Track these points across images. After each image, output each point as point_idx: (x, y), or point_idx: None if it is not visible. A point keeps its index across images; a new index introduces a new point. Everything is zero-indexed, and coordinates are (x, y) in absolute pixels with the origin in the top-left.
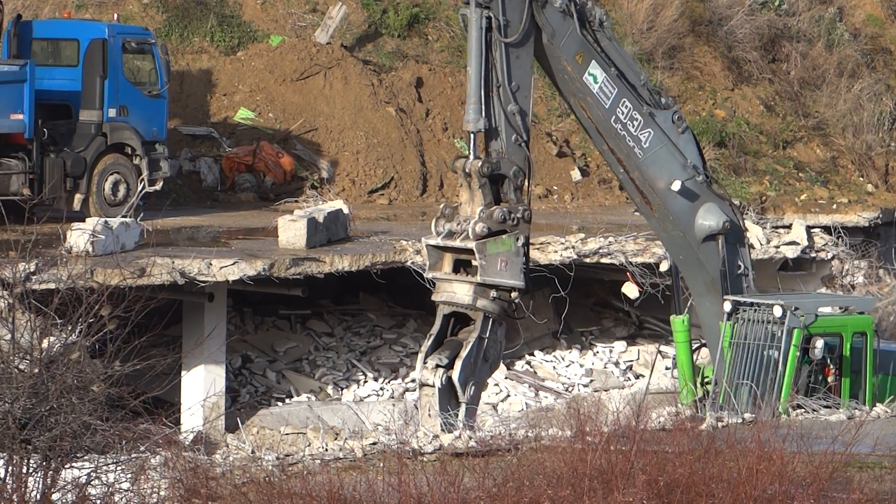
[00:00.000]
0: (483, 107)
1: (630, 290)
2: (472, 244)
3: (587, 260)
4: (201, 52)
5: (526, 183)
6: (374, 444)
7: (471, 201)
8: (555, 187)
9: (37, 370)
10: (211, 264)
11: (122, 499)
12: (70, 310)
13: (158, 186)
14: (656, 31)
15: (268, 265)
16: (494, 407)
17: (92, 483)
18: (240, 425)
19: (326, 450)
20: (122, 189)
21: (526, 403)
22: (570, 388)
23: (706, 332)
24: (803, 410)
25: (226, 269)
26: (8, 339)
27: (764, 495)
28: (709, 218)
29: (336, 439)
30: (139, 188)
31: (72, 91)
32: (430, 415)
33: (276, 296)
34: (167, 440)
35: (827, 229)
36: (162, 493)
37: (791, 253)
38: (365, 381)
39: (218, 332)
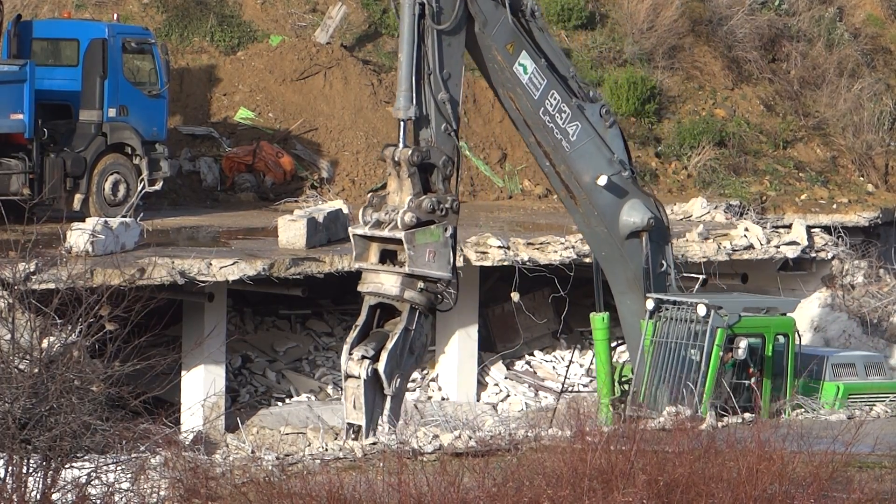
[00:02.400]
0: (413, 95)
1: None
2: (400, 234)
3: (587, 260)
4: (201, 52)
5: (455, 173)
6: (374, 444)
7: (399, 190)
8: None
9: (37, 370)
10: (211, 264)
11: (122, 499)
12: (70, 310)
13: (158, 186)
14: (656, 31)
15: (268, 265)
16: (494, 407)
17: (92, 483)
18: (240, 425)
19: (326, 450)
20: (122, 189)
21: (526, 403)
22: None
23: (626, 330)
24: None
25: (226, 269)
26: (8, 339)
27: (764, 495)
28: (633, 214)
29: (336, 439)
30: (139, 188)
31: (72, 91)
32: (354, 407)
33: (276, 296)
34: (167, 440)
35: (827, 229)
36: (162, 493)
37: (791, 253)
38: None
39: (218, 332)
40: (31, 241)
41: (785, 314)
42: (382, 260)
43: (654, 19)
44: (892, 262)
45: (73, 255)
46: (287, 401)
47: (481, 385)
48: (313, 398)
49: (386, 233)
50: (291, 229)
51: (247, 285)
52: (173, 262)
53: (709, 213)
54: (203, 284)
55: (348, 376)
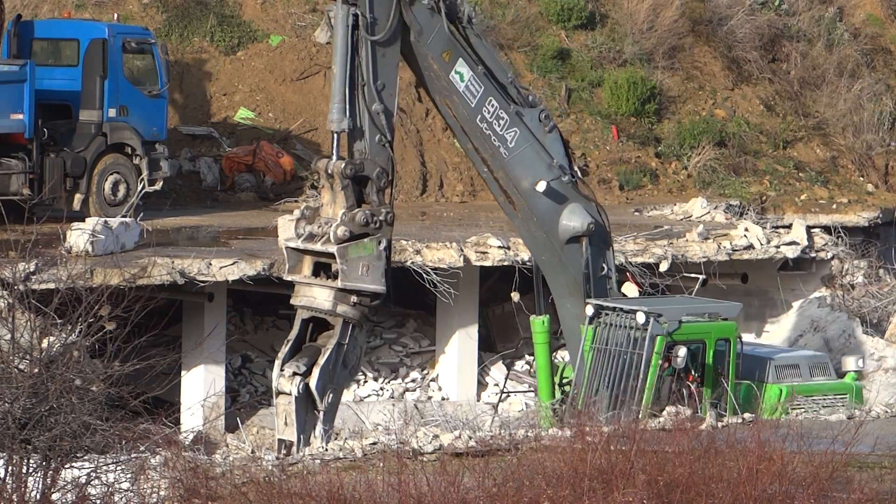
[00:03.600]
0: (347, 106)
1: (630, 290)
2: (333, 248)
3: None
4: (201, 52)
5: (390, 184)
6: (374, 444)
7: (333, 203)
8: None
9: (37, 370)
10: (211, 264)
11: (122, 499)
12: (70, 310)
13: (158, 186)
14: (656, 31)
15: (268, 265)
16: (494, 407)
17: (92, 483)
18: (240, 425)
19: (326, 450)
20: (122, 189)
21: (526, 403)
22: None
23: (566, 333)
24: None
25: (226, 269)
26: (8, 339)
27: (764, 495)
28: (573, 219)
29: (336, 439)
30: (139, 188)
31: (72, 91)
32: (286, 423)
33: (276, 296)
34: (167, 440)
35: (827, 229)
36: (162, 493)
37: (791, 253)
38: (365, 381)
39: (218, 332)
40: (31, 241)
41: (727, 319)
42: (316, 272)
43: (654, 19)
44: (892, 262)
45: (73, 255)
46: None
47: (481, 385)
48: None
49: (318, 246)
50: (291, 229)
51: (247, 285)
52: (173, 262)
53: (709, 213)
54: (203, 284)
55: (279, 393)
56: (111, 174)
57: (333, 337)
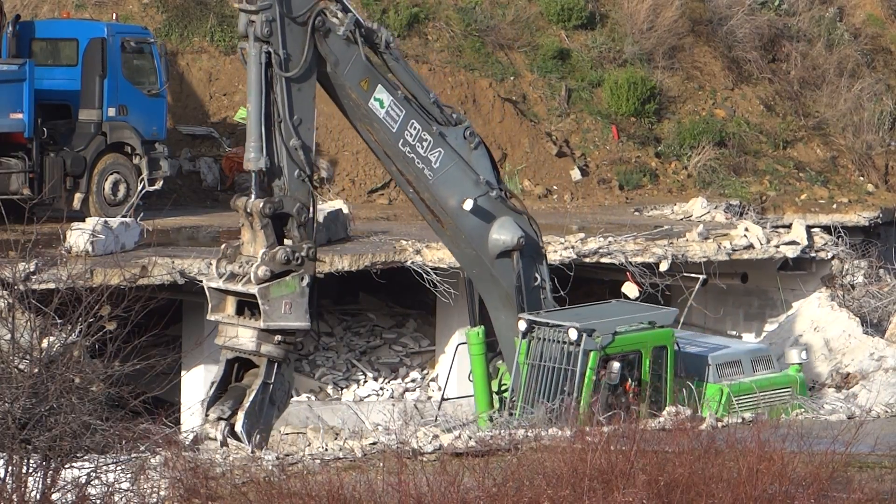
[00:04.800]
0: (264, 144)
1: (630, 289)
2: (254, 289)
3: (587, 260)
4: (201, 52)
5: (312, 218)
6: (374, 444)
7: (253, 241)
8: (554, 187)
9: (37, 370)
10: (211, 264)
11: (122, 499)
12: (70, 310)
13: (158, 186)
14: (656, 31)
15: None
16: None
17: (92, 483)
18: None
19: (326, 450)
20: (122, 189)
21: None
22: None
23: (503, 344)
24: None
25: None
26: (8, 339)
27: (764, 495)
28: (503, 233)
29: (336, 439)
30: (139, 188)
31: (71, 90)
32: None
33: None
34: (167, 440)
35: (827, 229)
36: (162, 493)
37: (791, 252)
38: (365, 381)
39: None
40: (31, 241)
41: (663, 326)
42: (241, 310)
43: (654, 19)
44: (892, 262)
45: (73, 255)
46: None
47: None
48: (313, 398)
49: (239, 287)
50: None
51: None
52: (173, 262)
53: (709, 213)
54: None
55: (206, 438)
56: (111, 174)
57: (259, 377)
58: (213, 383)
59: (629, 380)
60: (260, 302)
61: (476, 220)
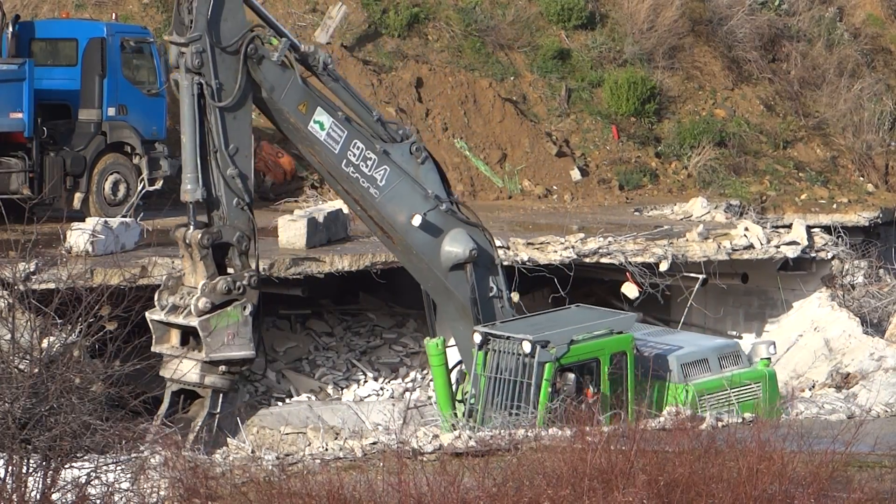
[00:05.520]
0: (201, 175)
1: (630, 290)
2: (194, 321)
3: (587, 260)
4: None
5: (252, 246)
6: (374, 444)
7: (194, 272)
8: (554, 187)
9: (37, 370)
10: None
11: (122, 499)
12: (70, 310)
13: (158, 186)
14: (656, 31)
15: (268, 265)
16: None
17: (92, 483)
18: (240, 425)
19: (326, 450)
20: (121, 188)
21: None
22: None
23: (463, 354)
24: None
25: None
26: (8, 339)
27: (764, 495)
28: (455, 246)
29: (336, 439)
30: (139, 188)
31: (71, 90)
32: None
33: (276, 296)
34: (167, 440)
35: (827, 229)
36: (162, 493)
37: (791, 253)
38: (365, 381)
39: None
40: (31, 240)
41: (622, 332)
42: (185, 340)
43: (654, 19)
44: (892, 262)
45: (73, 255)
46: (287, 401)
47: None
48: (313, 398)
49: (181, 320)
50: (291, 229)
51: None
52: (173, 262)
53: (709, 213)
54: None
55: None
56: (111, 174)
57: (204, 409)
58: (157, 416)
59: (589, 387)
60: (201, 334)
61: (426, 235)
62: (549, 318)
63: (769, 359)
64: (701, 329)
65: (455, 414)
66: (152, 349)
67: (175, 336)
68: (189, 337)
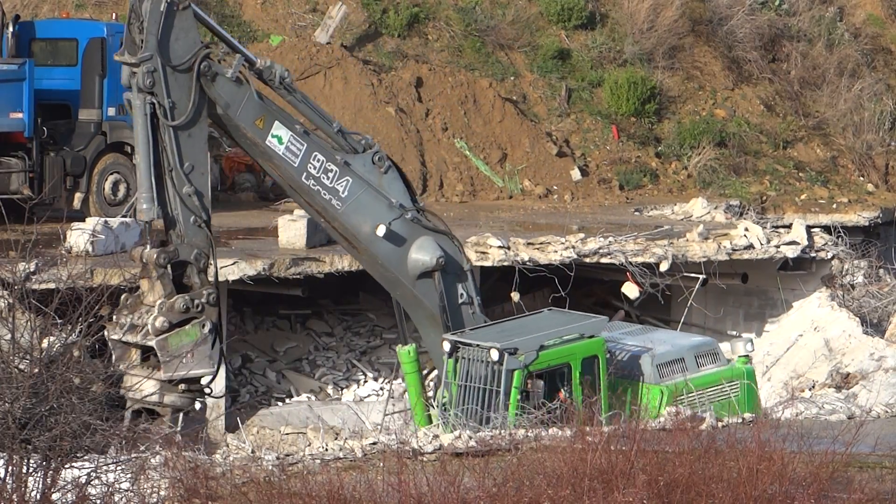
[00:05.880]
0: (156, 194)
1: (630, 289)
2: (152, 341)
3: (587, 260)
4: None
5: (212, 262)
6: (374, 444)
7: (151, 291)
8: (555, 187)
9: (37, 370)
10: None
11: (122, 499)
12: (70, 310)
13: None
14: (656, 31)
15: (268, 265)
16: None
17: (92, 483)
18: (240, 425)
19: (326, 450)
20: (121, 188)
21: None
22: None
23: (435, 361)
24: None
25: (226, 269)
26: (8, 339)
27: (764, 495)
28: (422, 254)
29: (336, 439)
30: None
31: (71, 90)
32: None
33: (276, 296)
34: (167, 440)
35: (827, 229)
36: (162, 493)
37: (791, 252)
38: (365, 381)
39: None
40: (31, 241)
41: (593, 336)
42: (147, 357)
43: (654, 19)
44: (892, 262)
45: (73, 255)
46: (287, 401)
47: None
48: (313, 398)
49: (139, 339)
50: (291, 229)
51: (247, 285)
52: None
53: (709, 213)
54: None
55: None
56: (111, 174)
57: (164, 426)
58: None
59: (561, 390)
60: (159, 353)
61: (391, 245)
62: (520, 323)
63: (747, 356)
64: (701, 329)
65: (430, 420)
66: (112, 368)
67: (135, 354)
68: (150, 355)
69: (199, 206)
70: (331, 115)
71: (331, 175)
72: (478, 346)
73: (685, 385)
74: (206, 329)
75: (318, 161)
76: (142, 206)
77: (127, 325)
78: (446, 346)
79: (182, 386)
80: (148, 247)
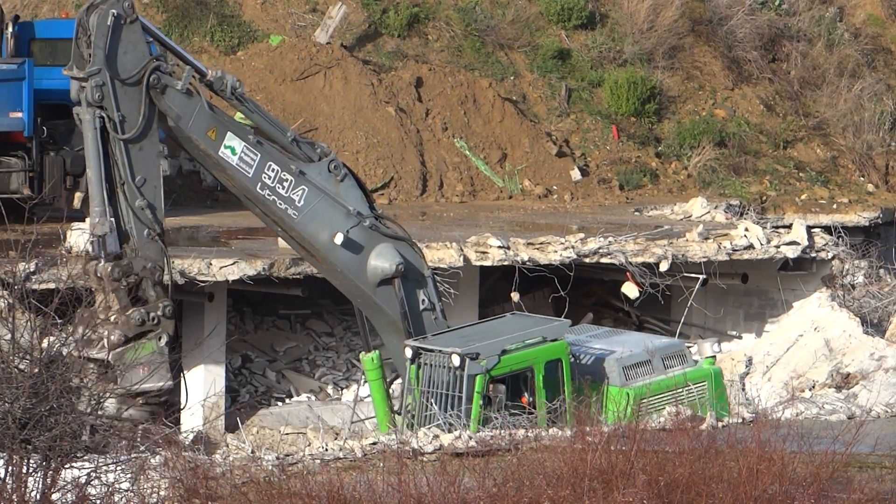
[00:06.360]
0: (108, 208)
1: (630, 289)
2: (108, 355)
3: (587, 260)
4: (201, 52)
5: (166, 276)
6: (374, 444)
7: (107, 305)
8: (554, 187)
9: (37, 370)
10: (211, 264)
11: (122, 499)
12: (70, 310)
13: None
14: (656, 31)
15: (268, 265)
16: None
17: (92, 483)
18: (240, 425)
19: (326, 450)
20: None
21: None
22: None
23: (398, 367)
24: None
25: (226, 269)
26: (8, 339)
27: (764, 495)
28: (381, 261)
29: (336, 439)
30: None
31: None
32: None
33: (276, 296)
34: (167, 440)
35: (827, 229)
36: (162, 493)
37: (791, 253)
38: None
39: (218, 332)
40: (31, 241)
41: (556, 339)
42: (105, 371)
43: (654, 19)
44: (892, 262)
45: (73, 255)
46: (287, 401)
47: None
48: (313, 398)
49: (94, 354)
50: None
51: (247, 285)
52: (173, 262)
53: (709, 213)
54: (203, 284)
55: None
56: None
57: (125, 441)
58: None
59: (524, 394)
60: (115, 367)
61: (349, 253)
62: (482, 328)
63: (714, 357)
64: (701, 329)
65: (394, 427)
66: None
67: (92, 369)
68: (107, 370)
69: (153, 219)
70: (285, 125)
71: (286, 184)
72: (439, 351)
73: (652, 387)
74: (163, 342)
75: (273, 171)
76: (94, 219)
77: (82, 339)
78: (408, 353)
79: (140, 400)
80: (101, 261)
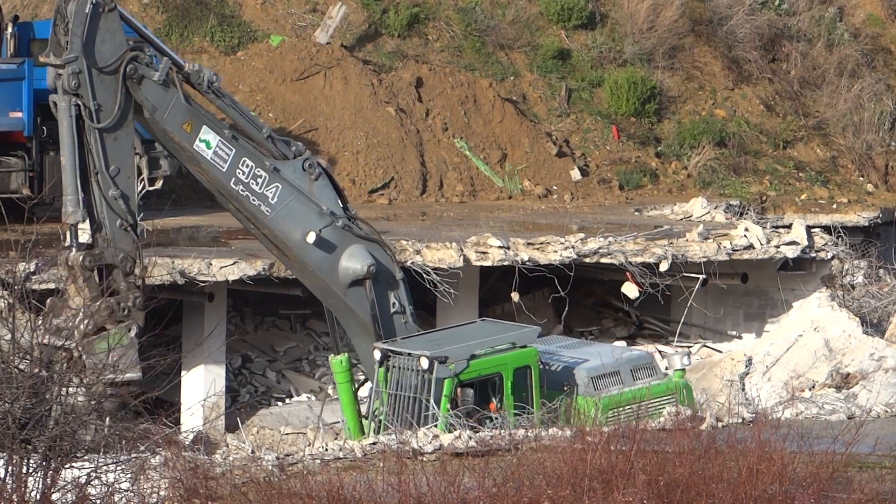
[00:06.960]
0: (82, 196)
1: (630, 289)
2: (77, 345)
3: (587, 260)
4: (201, 52)
5: (137, 268)
6: (374, 444)
7: (77, 294)
8: (554, 187)
9: (37, 370)
10: (211, 264)
11: (122, 499)
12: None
13: (158, 185)
14: (656, 31)
15: (268, 265)
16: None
17: (92, 483)
18: (240, 425)
19: (326, 450)
20: None
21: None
22: None
23: (367, 369)
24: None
25: (226, 269)
26: (8, 339)
27: (764, 495)
28: (352, 262)
29: (336, 439)
30: (139, 187)
31: None
32: None
33: (276, 296)
34: (167, 440)
35: (827, 229)
36: (162, 493)
37: (791, 253)
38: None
39: (218, 332)
40: (31, 241)
41: (525, 346)
42: (74, 361)
43: (654, 19)
44: (892, 262)
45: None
46: (287, 401)
47: None
48: (313, 398)
49: (64, 342)
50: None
51: (247, 285)
52: (173, 262)
53: (709, 213)
54: (203, 284)
55: None
56: None
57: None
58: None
59: (493, 399)
60: (84, 357)
61: (322, 252)
62: (452, 333)
63: (684, 370)
64: (701, 329)
65: (362, 430)
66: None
67: (62, 358)
68: (77, 359)
69: (126, 209)
70: (261, 121)
71: (260, 181)
72: (408, 354)
73: (621, 398)
74: (133, 333)
75: (247, 166)
76: (67, 208)
77: (52, 328)
78: (377, 355)
79: (109, 390)
80: (73, 250)
